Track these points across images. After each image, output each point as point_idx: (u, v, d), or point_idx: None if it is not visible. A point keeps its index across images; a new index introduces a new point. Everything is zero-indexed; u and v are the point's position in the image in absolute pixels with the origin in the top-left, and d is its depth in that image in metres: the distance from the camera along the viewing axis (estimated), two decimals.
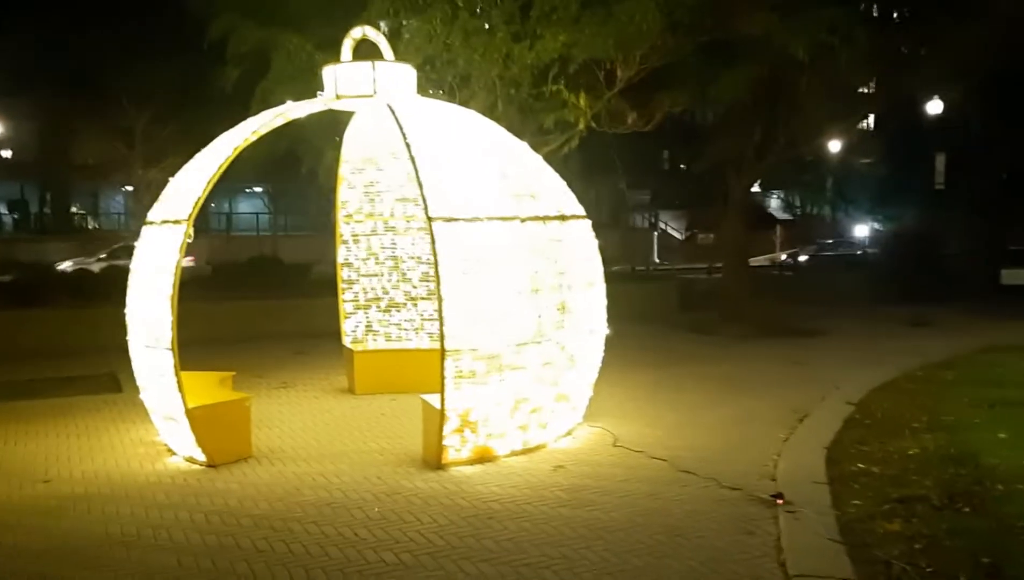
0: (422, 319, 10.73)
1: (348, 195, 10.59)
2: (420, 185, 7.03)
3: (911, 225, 27.47)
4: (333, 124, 13.73)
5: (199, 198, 7.28)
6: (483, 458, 7.28)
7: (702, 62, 12.73)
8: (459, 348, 6.90)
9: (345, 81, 8.30)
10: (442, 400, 6.94)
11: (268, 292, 16.70)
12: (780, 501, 6.00)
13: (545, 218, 7.57)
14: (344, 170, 10.48)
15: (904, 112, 27.99)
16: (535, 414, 7.47)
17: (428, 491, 6.58)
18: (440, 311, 6.85)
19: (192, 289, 16.45)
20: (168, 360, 7.10)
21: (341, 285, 10.73)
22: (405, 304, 10.75)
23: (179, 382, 7.09)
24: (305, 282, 18.36)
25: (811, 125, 14.07)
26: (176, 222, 7.34)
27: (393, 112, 7.57)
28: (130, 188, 39.08)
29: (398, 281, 10.76)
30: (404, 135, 7.29)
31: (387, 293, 10.77)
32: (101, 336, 13.91)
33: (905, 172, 36.72)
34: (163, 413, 7.54)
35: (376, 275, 10.75)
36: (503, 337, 7.08)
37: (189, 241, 7.22)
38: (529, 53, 11.63)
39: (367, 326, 10.74)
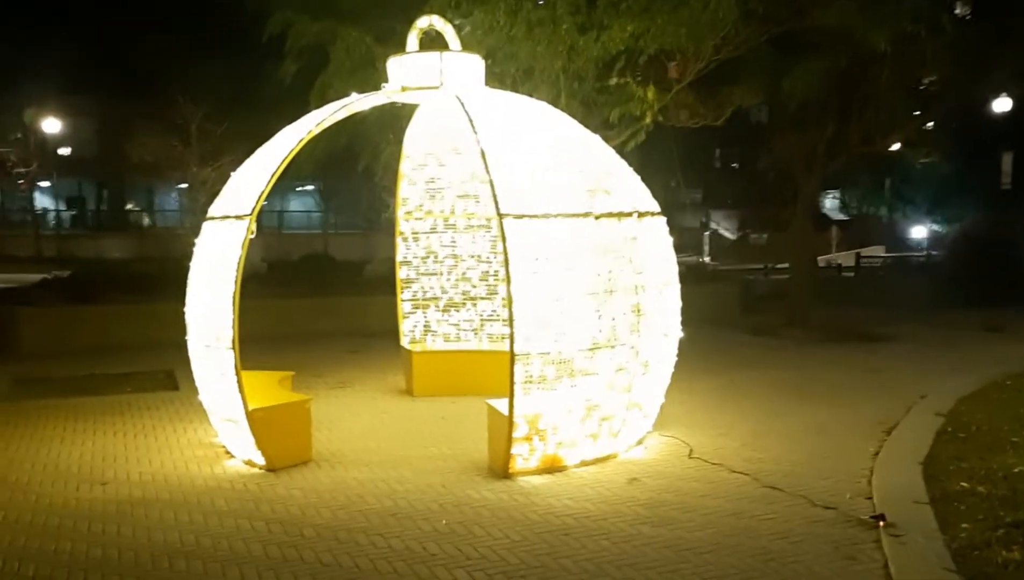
0: (481, 320, 10.41)
1: (408, 191, 10.30)
2: (490, 180, 6.68)
3: (980, 226, 26.36)
4: (393, 119, 13.52)
5: (262, 192, 7.02)
6: (552, 468, 6.91)
7: (773, 55, 12.19)
8: (529, 352, 6.54)
9: (410, 72, 8.00)
10: (510, 406, 6.58)
11: (321, 290, 16.51)
12: (882, 523, 5.54)
13: (620, 214, 7.17)
14: (405, 166, 10.19)
15: (968, 108, 26.79)
16: (606, 422, 7.08)
17: (496, 502, 6.23)
18: (510, 313, 6.49)
19: (249, 286, 16.32)
20: (229, 360, 6.85)
21: (400, 284, 10.43)
22: (464, 304, 10.44)
23: (240, 383, 6.85)
24: (359, 280, 18.17)
25: (887, 120, 13.41)
26: (238, 218, 7.10)
27: (462, 103, 7.24)
28: (185, 185, 39.49)
29: (457, 280, 10.45)
30: (473, 127, 6.95)
31: (445, 292, 10.47)
32: (157, 332, 13.84)
33: (969, 171, 35.43)
34: (222, 414, 7.30)
35: (435, 274, 10.45)
36: (575, 341, 6.71)
37: (252, 237, 6.98)
38: (595, 45, 11.26)
39: (425, 326, 10.45)
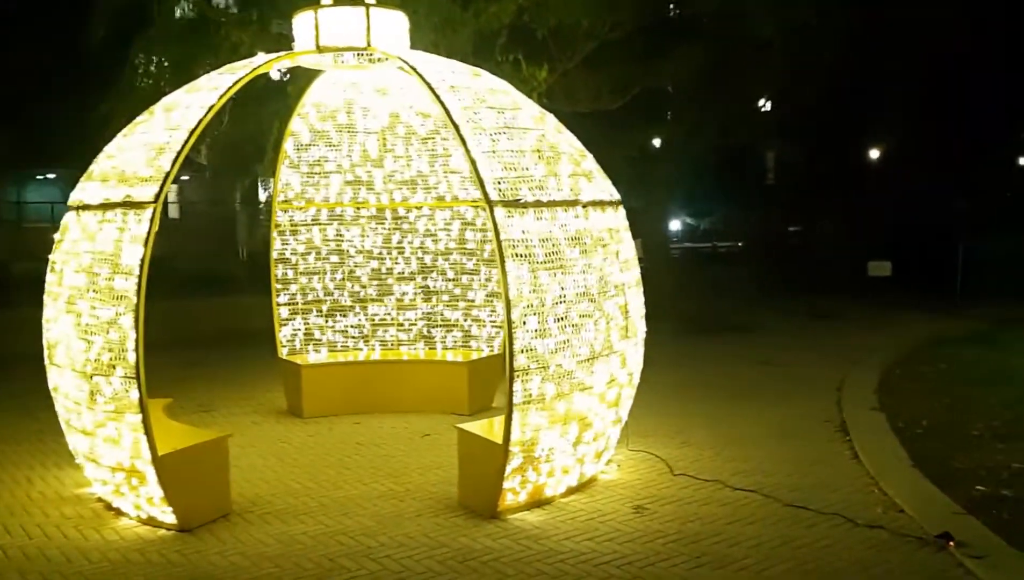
0: (372, 325, 9.11)
1: (289, 176, 8.74)
2: (472, 160, 5.53)
3: (774, 221, 27.99)
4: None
5: (168, 174, 5.41)
6: (540, 500, 5.90)
7: (655, 39, 11.74)
8: (528, 366, 5.47)
9: (329, 29, 6.55)
10: (506, 432, 5.48)
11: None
12: (951, 543, 5.04)
13: (602, 204, 6.26)
14: (288, 145, 8.62)
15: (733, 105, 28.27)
16: (595, 443, 6.17)
17: (508, 553, 5.12)
18: (507, 320, 5.38)
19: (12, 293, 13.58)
20: (131, 392, 5.23)
21: (275, 284, 8.86)
22: (352, 307, 9.08)
23: (148, 422, 5.23)
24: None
25: (746, 113, 13.43)
26: (132, 206, 5.43)
27: (413, 68, 5.99)
28: None
29: (343, 280, 9.07)
30: (440, 100, 5.74)
31: (330, 294, 9.05)
32: None
33: (733, 167, 37.62)
34: (110, 462, 5.59)
35: (317, 273, 9.00)
36: (575, 351, 5.73)
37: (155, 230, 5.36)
38: (476, 20, 10.27)
39: (307, 333, 8.96)
